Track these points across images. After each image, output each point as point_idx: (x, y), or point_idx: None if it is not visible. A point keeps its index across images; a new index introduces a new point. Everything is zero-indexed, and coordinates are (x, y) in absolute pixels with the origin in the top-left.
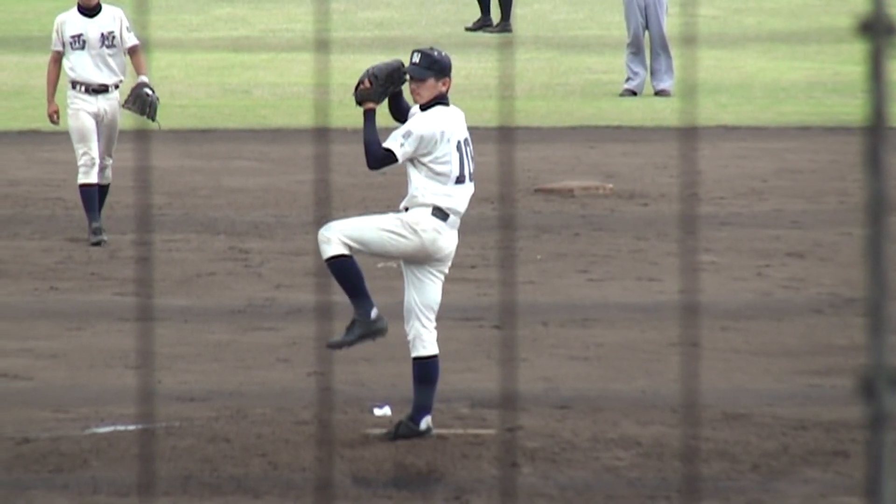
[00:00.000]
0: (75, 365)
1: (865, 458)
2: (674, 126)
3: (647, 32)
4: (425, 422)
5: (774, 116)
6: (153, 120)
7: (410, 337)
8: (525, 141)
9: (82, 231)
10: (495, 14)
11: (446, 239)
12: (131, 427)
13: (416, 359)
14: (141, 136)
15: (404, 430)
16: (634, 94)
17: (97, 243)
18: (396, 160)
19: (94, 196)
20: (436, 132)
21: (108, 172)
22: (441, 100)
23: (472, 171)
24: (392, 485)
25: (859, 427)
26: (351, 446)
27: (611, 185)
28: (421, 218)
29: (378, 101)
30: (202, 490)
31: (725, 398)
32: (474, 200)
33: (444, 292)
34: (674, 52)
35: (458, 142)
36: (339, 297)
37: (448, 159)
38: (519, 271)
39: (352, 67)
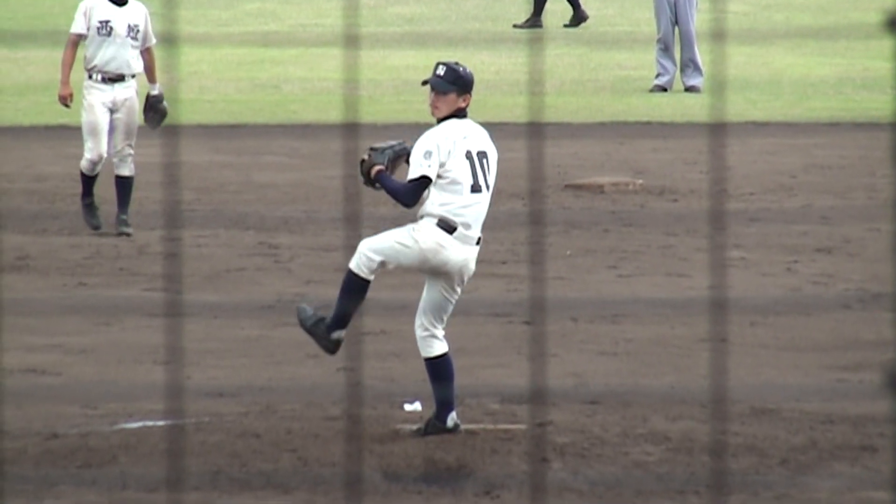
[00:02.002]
0: (104, 361)
1: (893, 452)
2: (703, 122)
3: (676, 28)
4: (451, 419)
5: (803, 112)
6: (156, 128)
7: (418, 337)
8: (555, 137)
9: (110, 226)
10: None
11: (453, 252)
12: (160, 423)
13: (426, 359)
14: (169, 132)
15: (432, 430)
16: (664, 90)
17: (94, 227)
18: (430, 180)
19: (92, 184)
20: (448, 142)
21: (131, 162)
22: (457, 114)
23: (490, 182)
24: (422, 480)
25: (887, 422)
26: (381, 442)
27: (640, 181)
28: (424, 229)
29: (384, 163)
30: (231, 485)
31: (754, 393)
32: (504, 196)
33: (475, 288)
34: (703, 48)
35: (469, 151)
36: (370, 293)
37: (458, 167)
38: (548, 267)
39: (381, 63)
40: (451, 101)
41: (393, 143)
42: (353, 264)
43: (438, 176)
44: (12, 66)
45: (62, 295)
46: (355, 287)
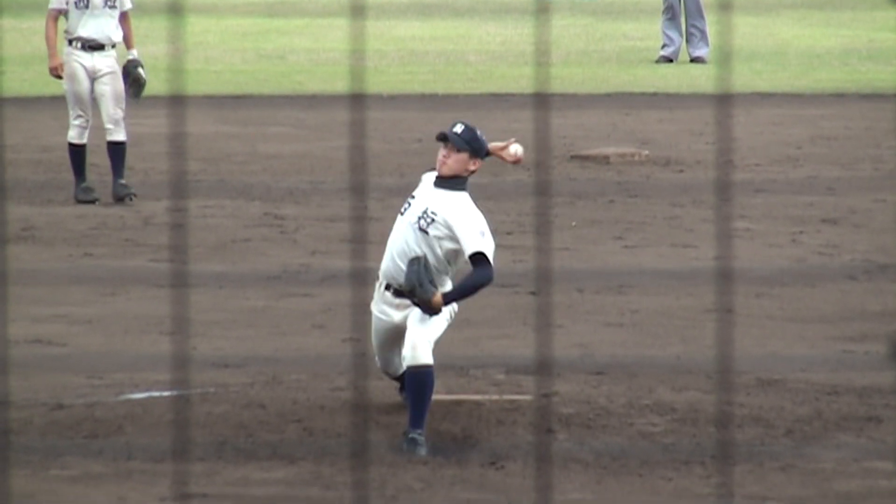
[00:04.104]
0: (110, 331)
1: None
2: (709, 93)
3: None
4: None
5: (809, 83)
6: (137, 98)
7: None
8: (561, 107)
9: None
10: None
11: None
12: (166, 393)
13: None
14: (176, 102)
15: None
16: (670, 60)
17: (91, 201)
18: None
19: (84, 156)
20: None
21: (123, 127)
22: (465, 184)
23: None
24: (428, 451)
25: (892, 392)
26: (387, 412)
27: (646, 152)
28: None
29: (433, 289)
30: (237, 456)
31: (759, 364)
32: (511, 167)
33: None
34: (709, 18)
35: None
36: (374, 263)
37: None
38: (554, 238)
39: (387, 33)
40: (462, 160)
41: (413, 267)
42: (428, 359)
43: (457, 262)
44: (18, 37)
45: (68, 265)
46: (428, 379)
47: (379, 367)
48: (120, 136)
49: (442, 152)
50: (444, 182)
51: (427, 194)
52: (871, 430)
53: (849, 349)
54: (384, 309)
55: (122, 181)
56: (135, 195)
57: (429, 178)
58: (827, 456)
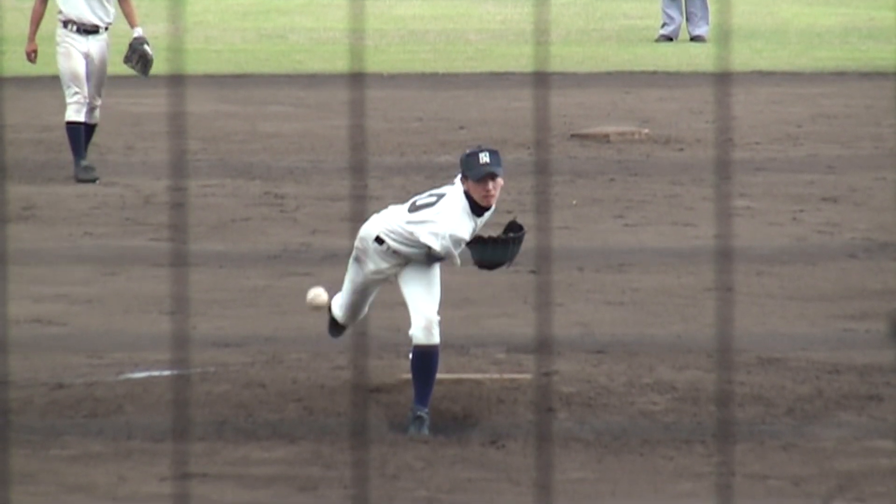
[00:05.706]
0: (110, 310)
1: None
2: (709, 71)
3: None
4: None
5: (809, 62)
6: (146, 76)
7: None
8: (561, 86)
9: (117, 176)
10: None
11: None
12: (166, 372)
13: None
14: (176, 81)
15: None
16: (670, 39)
17: (91, 180)
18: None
19: (82, 134)
20: None
21: (97, 113)
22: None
23: None
24: (428, 429)
25: (893, 371)
26: (387, 391)
27: (646, 131)
28: None
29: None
30: (237, 435)
31: (760, 342)
32: (510, 146)
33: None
34: None
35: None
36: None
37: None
38: (554, 216)
39: (387, 13)
40: (500, 185)
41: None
42: (438, 339)
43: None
44: (19, 16)
45: (68, 245)
46: (437, 359)
47: (340, 319)
48: (92, 120)
49: (488, 186)
50: (484, 209)
51: (479, 224)
52: (871, 408)
53: (849, 327)
54: (379, 263)
55: (87, 162)
56: (98, 178)
57: (462, 218)
58: (828, 434)
